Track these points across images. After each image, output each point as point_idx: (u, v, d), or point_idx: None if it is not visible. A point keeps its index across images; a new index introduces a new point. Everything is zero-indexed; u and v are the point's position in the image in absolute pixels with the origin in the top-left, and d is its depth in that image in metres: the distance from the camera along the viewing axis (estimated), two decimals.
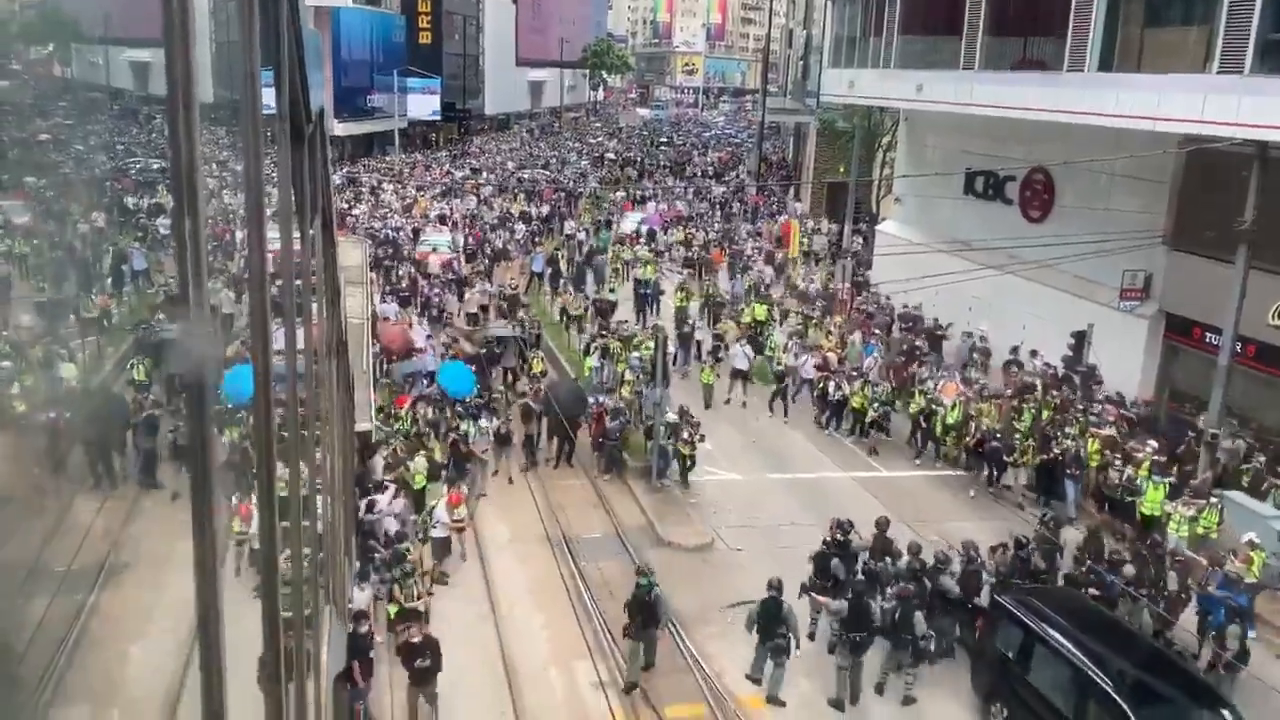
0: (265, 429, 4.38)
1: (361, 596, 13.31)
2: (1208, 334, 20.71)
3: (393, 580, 14.03)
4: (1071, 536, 17.07)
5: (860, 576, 14.54)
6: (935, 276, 24.28)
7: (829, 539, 15.38)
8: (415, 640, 12.42)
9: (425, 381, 22.92)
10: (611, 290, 31.31)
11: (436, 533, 16.41)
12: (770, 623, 13.37)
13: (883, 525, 15.85)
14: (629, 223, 43.78)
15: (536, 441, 21.08)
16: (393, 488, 16.98)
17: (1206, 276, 20.29)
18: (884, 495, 19.88)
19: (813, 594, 14.64)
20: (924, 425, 21.97)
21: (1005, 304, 26.10)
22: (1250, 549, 15.50)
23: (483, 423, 19.89)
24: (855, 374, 23.94)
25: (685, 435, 19.82)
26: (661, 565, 16.95)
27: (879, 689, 13.79)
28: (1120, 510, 18.52)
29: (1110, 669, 11.78)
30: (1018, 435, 20.48)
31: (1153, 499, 17.58)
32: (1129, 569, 14.97)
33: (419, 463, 18.34)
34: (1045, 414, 21.12)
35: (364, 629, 12.30)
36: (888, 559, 15.14)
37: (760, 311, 28.95)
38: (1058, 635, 12.53)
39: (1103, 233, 21.71)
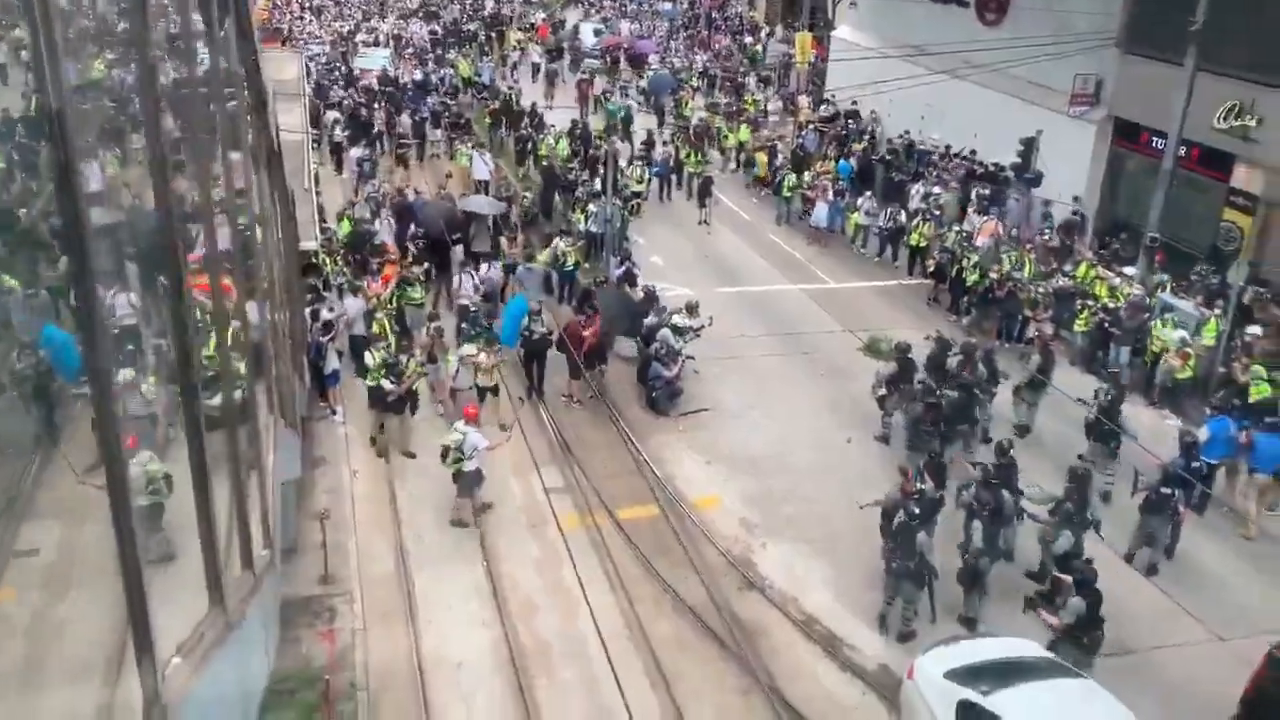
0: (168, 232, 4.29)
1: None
2: (1154, 139, 20.74)
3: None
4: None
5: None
6: (887, 82, 23.84)
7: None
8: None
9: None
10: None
11: (469, 464, 13.10)
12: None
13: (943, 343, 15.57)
14: (586, 33, 41.64)
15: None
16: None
17: (1156, 80, 20.09)
18: (832, 307, 20.26)
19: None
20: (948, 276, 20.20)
21: (957, 110, 25.81)
22: (1184, 347, 16.07)
23: (465, 350, 15.49)
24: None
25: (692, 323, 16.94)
26: (613, 377, 17.36)
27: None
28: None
29: None
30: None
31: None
32: None
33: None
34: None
35: None
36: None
37: (744, 133, 28.93)
38: None
39: (1057, 35, 21.30)
